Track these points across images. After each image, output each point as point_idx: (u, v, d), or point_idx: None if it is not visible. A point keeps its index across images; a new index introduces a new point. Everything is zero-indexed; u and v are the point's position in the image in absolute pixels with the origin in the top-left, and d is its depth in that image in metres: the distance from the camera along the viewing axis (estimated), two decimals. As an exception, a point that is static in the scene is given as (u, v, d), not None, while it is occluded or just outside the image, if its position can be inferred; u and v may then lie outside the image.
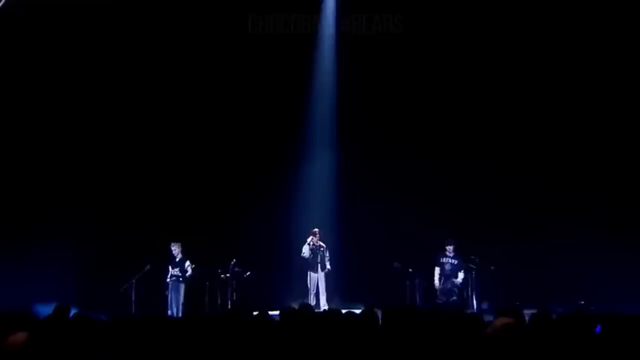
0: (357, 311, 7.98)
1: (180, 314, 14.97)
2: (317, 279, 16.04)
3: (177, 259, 15.74)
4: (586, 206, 15.73)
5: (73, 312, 8.40)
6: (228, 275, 15.44)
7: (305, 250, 16.02)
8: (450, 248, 15.75)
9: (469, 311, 13.07)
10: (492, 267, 15.18)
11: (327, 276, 16.18)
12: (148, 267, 15.21)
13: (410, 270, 15.44)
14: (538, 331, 6.01)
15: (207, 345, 6.54)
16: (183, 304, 15.44)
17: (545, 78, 16.61)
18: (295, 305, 8.62)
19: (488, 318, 6.91)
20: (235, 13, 16.73)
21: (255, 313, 7.83)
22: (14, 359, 4.96)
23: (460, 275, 15.64)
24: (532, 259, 15.85)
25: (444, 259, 15.78)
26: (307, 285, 16.09)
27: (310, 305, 9.34)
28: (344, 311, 7.79)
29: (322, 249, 16.10)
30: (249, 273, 15.54)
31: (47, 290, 14.60)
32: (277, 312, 8.01)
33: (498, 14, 16.34)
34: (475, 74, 16.91)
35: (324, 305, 15.47)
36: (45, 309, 13.91)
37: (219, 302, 15.43)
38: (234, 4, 16.71)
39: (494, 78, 16.82)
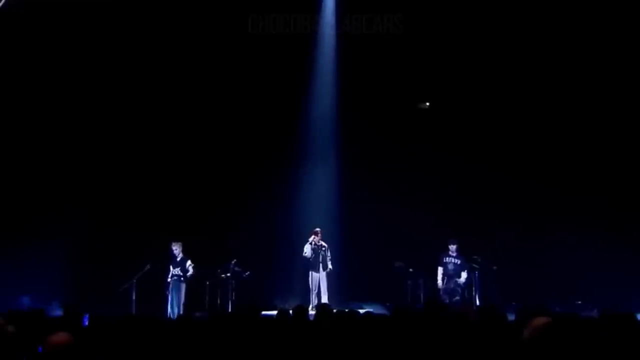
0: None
1: (181, 314, 14.79)
2: (318, 278, 15.94)
3: (178, 259, 15.64)
4: (585, 206, 15.76)
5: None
6: (228, 275, 15.36)
7: (307, 250, 15.92)
8: (453, 248, 15.69)
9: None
10: (495, 267, 15.10)
11: (329, 276, 16.09)
12: (148, 266, 15.10)
13: (410, 270, 15.39)
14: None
15: (225, 344, 6.56)
16: (184, 304, 15.35)
17: (545, 78, 16.64)
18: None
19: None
20: (235, 13, 16.69)
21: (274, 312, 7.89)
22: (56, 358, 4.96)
23: (464, 275, 15.55)
24: (533, 259, 15.91)
25: (447, 258, 15.71)
26: (308, 285, 16.01)
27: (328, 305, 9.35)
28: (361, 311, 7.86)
29: (323, 248, 16.00)
30: (248, 273, 15.49)
31: (46, 291, 14.71)
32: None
33: (498, 13, 16.33)
34: (475, 74, 16.96)
35: (325, 305, 15.34)
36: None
37: (219, 302, 15.32)
38: (234, 4, 16.68)
39: (494, 78, 16.87)
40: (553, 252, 15.68)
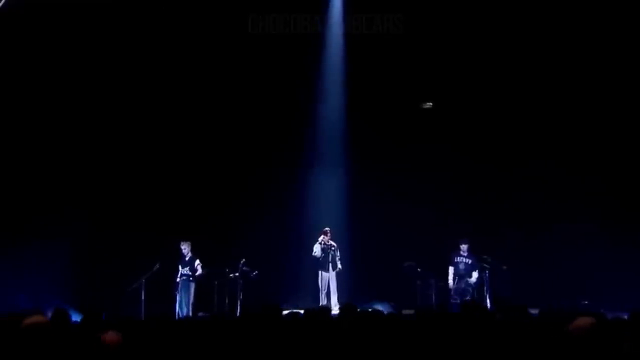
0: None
1: (190, 314, 14.80)
2: (328, 278, 15.98)
3: (187, 258, 15.62)
4: (594, 206, 15.75)
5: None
6: (237, 274, 15.24)
7: (317, 250, 15.98)
8: (464, 247, 15.67)
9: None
10: (505, 267, 15.02)
11: (338, 275, 16.13)
12: (157, 266, 15.01)
13: (419, 269, 15.32)
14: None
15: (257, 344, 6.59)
16: (193, 304, 15.31)
17: (549, 76, 16.64)
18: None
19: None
20: (235, 13, 16.68)
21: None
22: (109, 357, 5.00)
23: (474, 274, 15.50)
24: (541, 259, 16.03)
25: (458, 258, 15.70)
26: (317, 285, 16.03)
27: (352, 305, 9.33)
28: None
29: (333, 248, 16.05)
30: (256, 272, 15.37)
31: (50, 291, 14.64)
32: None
33: (498, 12, 16.39)
34: (479, 72, 17.03)
35: (335, 305, 15.40)
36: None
37: (227, 301, 15.18)
38: (234, 4, 16.66)
39: (499, 76, 16.91)
40: (561, 252, 15.73)
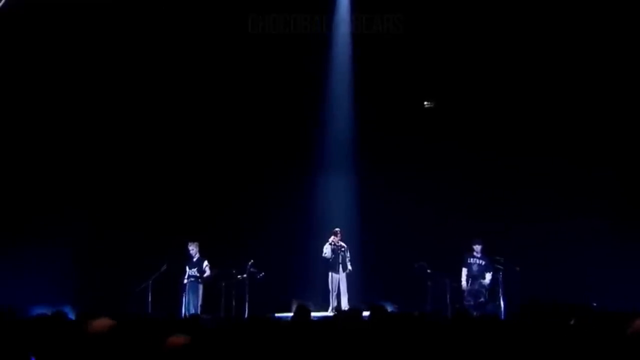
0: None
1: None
2: (338, 279, 15.84)
3: (195, 259, 15.46)
4: (604, 205, 15.77)
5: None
6: (244, 276, 15.09)
7: (327, 251, 15.86)
8: (477, 248, 15.55)
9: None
10: (518, 268, 14.88)
11: (349, 277, 16.01)
12: (165, 267, 14.92)
13: (429, 271, 15.24)
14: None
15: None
16: (201, 306, 15.17)
17: (555, 72, 16.56)
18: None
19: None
20: (235, 13, 16.61)
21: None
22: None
23: (488, 276, 15.37)
24: (551, 259, 15.88)
25: (471, 259, 15.58)
26: (328, 286, 15.91)
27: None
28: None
29: (343, 249, 15.93)
30: (262, 274, 15.23)
31: (51, 292, 14.58)
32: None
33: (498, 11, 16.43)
34: (485, 70, 16.98)
35: (345, 306, 15.26)
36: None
37: (234, 303, 14.97)
38: (234, 4, 16.61)
39: (503, 74, 16.84)
40: (569, 250, 15.67)
